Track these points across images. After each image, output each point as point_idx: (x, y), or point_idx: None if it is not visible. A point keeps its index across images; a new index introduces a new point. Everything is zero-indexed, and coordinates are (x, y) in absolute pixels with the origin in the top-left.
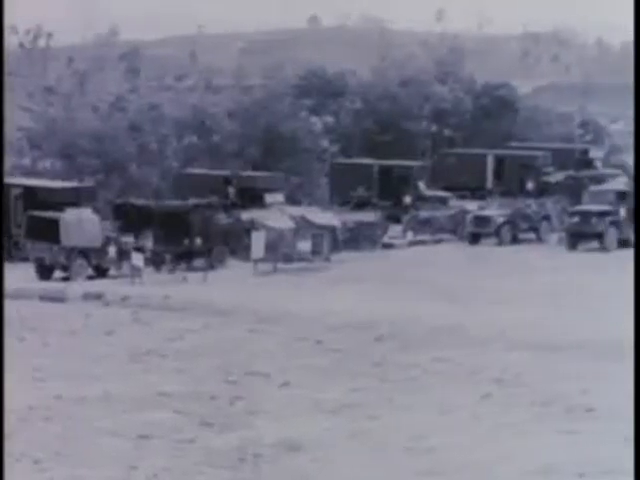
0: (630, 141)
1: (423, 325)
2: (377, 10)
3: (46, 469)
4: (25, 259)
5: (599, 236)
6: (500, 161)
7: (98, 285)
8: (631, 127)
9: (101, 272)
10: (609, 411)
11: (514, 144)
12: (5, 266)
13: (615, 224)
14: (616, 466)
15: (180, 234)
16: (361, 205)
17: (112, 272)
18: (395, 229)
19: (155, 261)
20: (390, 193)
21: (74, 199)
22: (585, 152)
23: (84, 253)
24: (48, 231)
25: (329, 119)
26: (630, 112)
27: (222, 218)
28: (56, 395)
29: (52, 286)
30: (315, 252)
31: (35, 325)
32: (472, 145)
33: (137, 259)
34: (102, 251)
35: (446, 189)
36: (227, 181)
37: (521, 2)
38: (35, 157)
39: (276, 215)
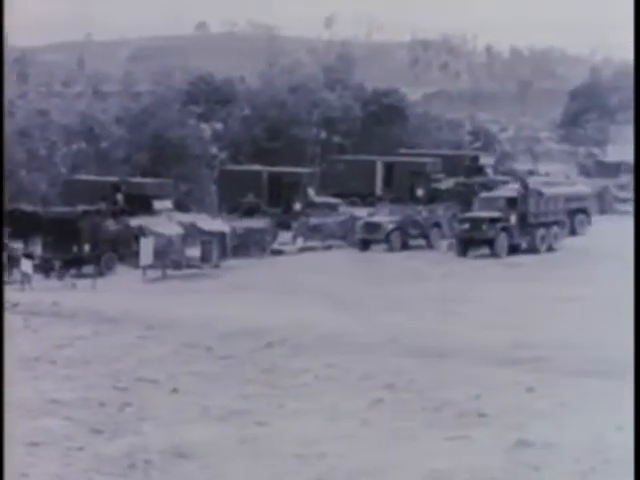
0: (520, 148)
1: (313, 331)
2: (265, 17)
3: None
4: None
5: (490, 242)
6: (390, 168)
7: None
8: (521, 133)
9: None
10: (501, 416)
11: (404, 151)
12: None
13: (505, 230)
14: (507, 471)
15: (69, 241)
16: (250, 212)
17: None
18: (285, 235)
19: (44, 268)
20: (280, 200)
21: None
22: (475, 159)
23: None
24: None
25: (218, 126)
26: (520, 119)
27: (111, 225)
28: None
29: None
30: (204, 259)
31: None
32: (362, 152)
33: (26, 265)
34: None
35: (336, 195)
36: (116, 187)
37: (410, 10)
38: None
39: (165, 222)
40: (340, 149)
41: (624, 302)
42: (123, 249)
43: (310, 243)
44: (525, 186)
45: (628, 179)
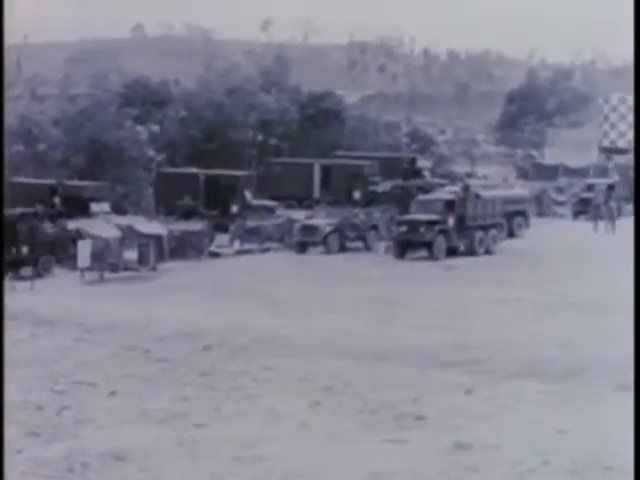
0: (457, 150)
1: (251, 334)
2: (201, 19)
3: None
4: None
5: (427, 245)
6: (327, 170)
7: None
8: (458, 136)
9: None
10: (439, 419)
11: (341, 153)
12: None
13: (443, 233)
14: (445, 474)
15: (7, 243)
16: (187, 214)
17: None
18: (222, 238)
19: None
20: (217, 202)
21: None
22: (413, 161)
23: None
24: None
25: (154, 128)
26: (458, 122)
27: (48, 227)
28: None
29: None
30: (141, 261)
31: None
32: (299, 154)
33: None
34: None
35: (273, 198)
36: (53, 190)
37: (348, 12)
38: None
39: (102, 224)
40: (277, 152)
41: (562, 303)
42: (61, 251)
43: (247, 246)
44: (466, 188)
45: (566, 182)
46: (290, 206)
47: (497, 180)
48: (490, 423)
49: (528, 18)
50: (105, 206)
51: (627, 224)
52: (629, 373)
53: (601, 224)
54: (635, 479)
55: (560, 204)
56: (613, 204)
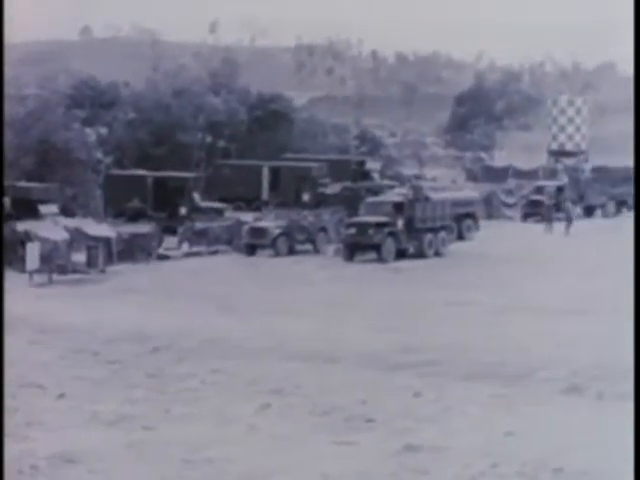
0: (406, 153)
1: (200, 336)
2: (149, 22)
3: None
4: None
5: (376, 247)
6: (276, 172)
7: None
8: (407, 138)
9: None
10: (388, 421)
11: (289, 155)
12: None
13: (392, 235)
14: (395, 476)
15: None
16: (136, 216)
17: None
18: (171, 240)
19: None
20: (165, 204)
21: None
22: (361, 163)
23: None
24: None
25: (103, 130)
26: (406, 124)
27: None
28: None
29: None
30: (90, 263)
31: None
32: (247, 156)
33: None
34: None
35: (222, 200)
36: (1, 192)
37: (295, 15)
38: None
39: (51, 226)
40: (225, 154)
41: (512, 306)
42: (9, 253)
43: (196, 248)
44: (416, 188)
45: (515, 184)
46: (239, 208)
47: (446, 182)
48: (440, 425)
49: (477, 20)
50: (54, 208)
51: (577, 226)
52: (578, 375)
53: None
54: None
55: (509, 206)
56: (570, 205)
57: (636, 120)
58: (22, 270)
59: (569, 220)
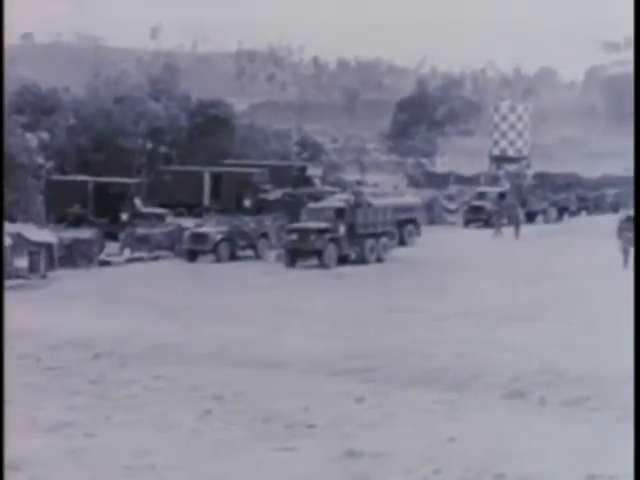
0: (348, 159)
1: (142, 342)
2: (91, 27)
3: None
4: None
5: (318, 253)
6: (217, 178)
7: None
8: (348, 144)
9: None
10: (329, 427)
11: (231, 161)
12: None
13: (334, 241)
14: None
15: None
16: (77, 222)
17: None
18: (112, 246)
19: None
20: (107, 210)
21: None
22: (303, 169)
23: None
24: None
25: (44, 135)
26: (348, 130)
27: None
28: None
29: None
30: (32, 269)
31: None
32: (188, 162)
33: None
34: None
35: (163, 206)
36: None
37: (236, 21)
38: None
39: None
40: (166, 159)
41: (454, 312)
42: None
43: (138, 254)
44: (357, 194)
45: (457, 190)
46: (180, 214)
47: (388, 188)
48: (382, 431)
49: (418, 26)
50: None
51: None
52: (519, 381)
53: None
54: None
55: (451, 212)
56: (519, 210)
57: (636, 120)
58: None
59: (517, 225)
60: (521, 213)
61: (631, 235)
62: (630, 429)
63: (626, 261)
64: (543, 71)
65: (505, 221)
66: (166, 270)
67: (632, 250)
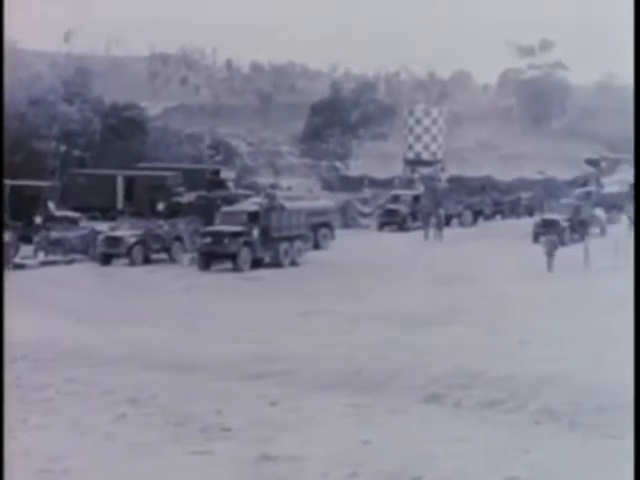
0: (261, 162)
1: (56, 346)
2: (5, 29)
3: None
4: None
5: (232, 256)
6: (130, 181)
7: None
8: (262, 147)
9: None
10: (244, 430)
11: (144, 165)
12: None
13: (248, 244)
14: None
15: None
16: None
17: None
18: (27, 249)
19: None
20: (20, 213)
21: None
22: (216, 173)
23: None
24: None
25: None
26: (261, 133)
27: None
28: None
29: None
30: None
31: None
32: (102, 165)
33: None
34: None
35: (77, 209)
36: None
37: (149, 24)
38: None
39: None
40: (80, 162)
41: (369, 315)
42: None
43: (52, 257)
44: (270, 197)
45: (371, 193)
46: (94, 217)
47: (302, 191)
48: (297, 435)
49: (332, 30)
50: None
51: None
52: (435, 384)
53: (412, 234)
54: (635, 477)
55: (365, 215)
56: (441, 212)
57: (636, 121)
58: None
59: (440, 227)
60: (434, 216)
61: (555, 238)
62: (548, 431)
63: (550, 265)
64: (457, 74)
65: (416, 224)
66: (80, 273)
67: (556, 253)
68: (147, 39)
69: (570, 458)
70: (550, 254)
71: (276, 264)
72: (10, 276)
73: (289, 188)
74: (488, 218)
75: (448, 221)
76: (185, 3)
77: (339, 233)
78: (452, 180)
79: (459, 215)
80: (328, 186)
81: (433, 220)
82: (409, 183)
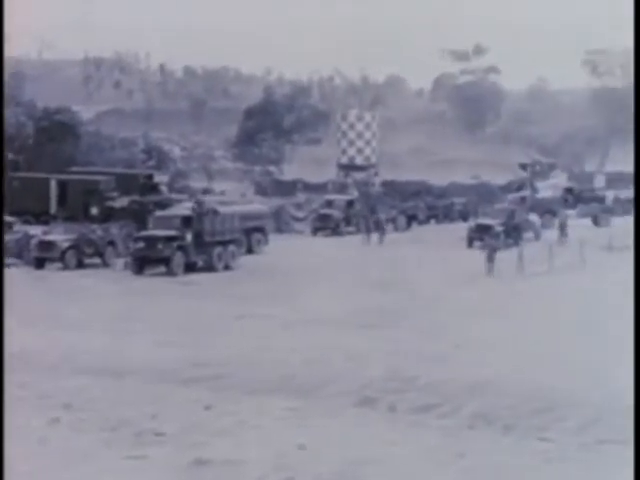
0: (194, 166)
1: None
2: None
3: None
4: None
5: (166, 261)
6: (64, 186)
7: None
8: (195, 152)
9: None
10: (179, 435)
11: (77, 169)
12: None
13: (181, 249)
14: None
15: None
16: None
17: None
18: None
19: None
20: None
21: None
22: (149, 177)
23: None
24: None
25: None
26: (194, 138)
27: None
28: None
29: None
30: None
31: None
32: (35, 169)
33: None
34: None
35: (11, 214)
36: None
37: (82, 28)
38: None
39: None
40: (14, 166)
41: (302, 319)
42: None
43: None
44: (200, 203)
45: (304, 198)
46: (27, 221)
47: (235, 196)
48: (231, 439)
49: (264, 34)
50: None
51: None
52: (369, 388)
53: (346, 239)
54: (635, 477)
55: (299, 220)
56: (382, 217)
57: (636, 122)
58: None
59: (382, 231)
60: (383, 221)
61: (495, 242)
62: (483, 435)
63: (490, 269)
64: (391, 79)
65: (354, 229)
66: (13, 278)
67: (496, 257)
68: (81, 43)
69: (504, 462)
70: (490, 258)
71: (210, 268)
72: None
73: (222, 192)
74: (422, 223)
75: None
76: (119, 7)
77: (273, 238)
78: (386, 185)
79: (393, 220)
80: (261, 190)
81: (368, 224)
82: (343, 188)
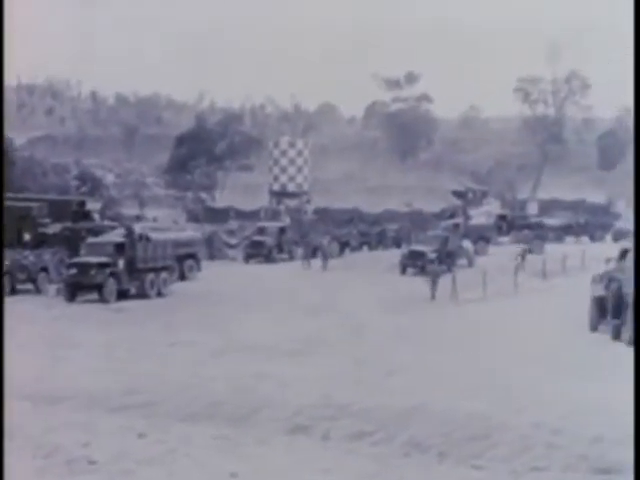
0: (127, 193)
1: None
2: None
3: None
4: None
5: (98, 287)
6: None
7: None
8: (128, 179)
9: None
10: (111, 463)
11: (10, 195)
12: None
13: (114, 275)
14: None
15: None
16: None
17: None
18: None
19: None
20: None
21: None
22: (82, 204)
23: None
24: None
25: None
26: (127, 164)
27: None
28: None
29: None
30: None
31: None
32: None
33: None
34: None
35: None
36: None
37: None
38: None
39: None
40: None
41: (233, 347)
42: None
43: None
44: (130, 231)
45: (237, 224)
46: None
47: (168, 223)
48: (163, 467)
49: (196, 62)
50: None
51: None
52: (301, 415)
53: (278, 266)
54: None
55: (232, 247)
56: (325, 242)
57: (636, 123)
58: None
59: (325, 257)
60: (326, 247)
61: (438, 268)
62: (417, 462)
63: (433, 294)
64: (323, 107)
65: (286, 256)
66: None
67: (438, 282)
68: (13, 69)
69: None
70: (434, 283)
71: (142, 295)
72: None
73: (154, 219)
74: (355, 249)
75: (314, 252)
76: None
77: (205, 264)
78: (318, 212)
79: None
80: (194, 217)
81: (307, 251)
82: (275, 215)
